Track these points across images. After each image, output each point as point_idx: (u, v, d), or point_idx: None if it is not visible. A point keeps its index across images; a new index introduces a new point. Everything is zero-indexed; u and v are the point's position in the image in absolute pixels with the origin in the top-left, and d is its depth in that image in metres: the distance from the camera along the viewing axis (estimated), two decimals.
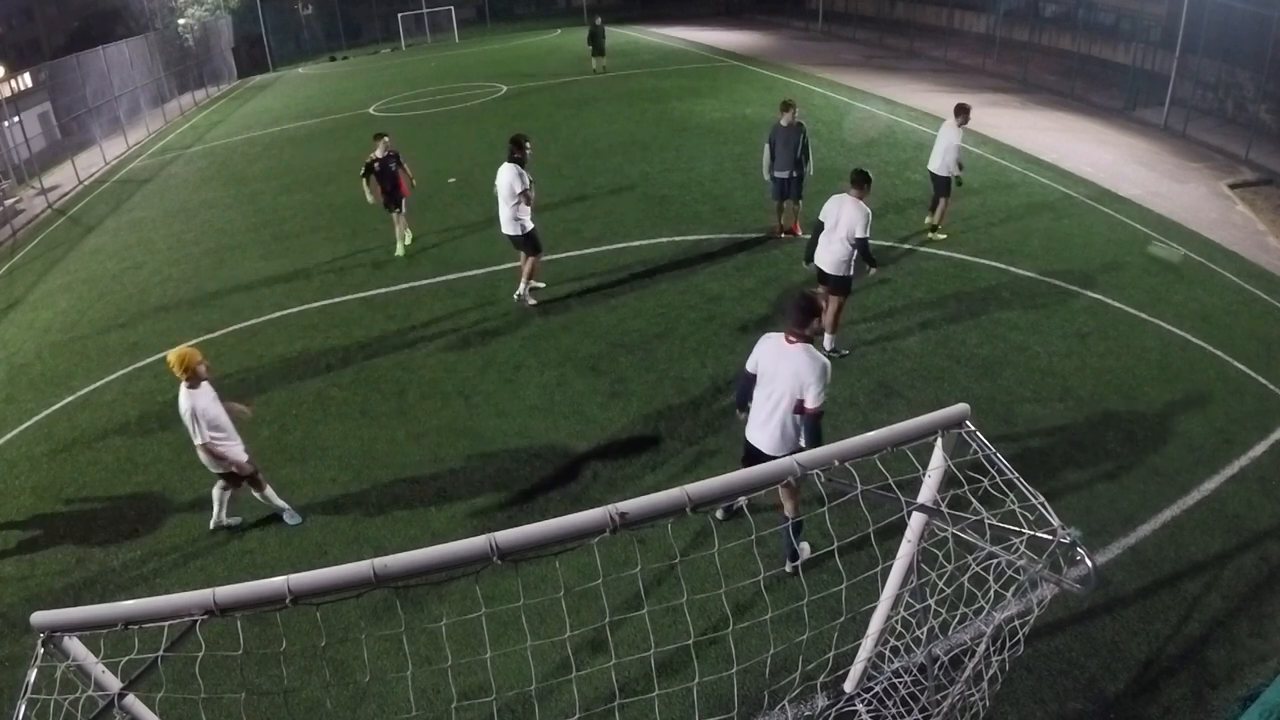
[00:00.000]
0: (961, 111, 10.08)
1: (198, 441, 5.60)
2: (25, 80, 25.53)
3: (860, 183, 7.32)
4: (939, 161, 10.29)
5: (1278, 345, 8.02)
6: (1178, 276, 9.49)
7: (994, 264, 9.76)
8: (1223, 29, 15.41)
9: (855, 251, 7.41)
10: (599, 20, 24.70)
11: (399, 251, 11.18)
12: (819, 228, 7.51)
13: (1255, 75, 15.01)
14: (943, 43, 24.14)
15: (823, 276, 7.69)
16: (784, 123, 9.89)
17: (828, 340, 7.93)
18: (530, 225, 8.87)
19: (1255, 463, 6.32)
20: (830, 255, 7.54)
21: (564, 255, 10.66)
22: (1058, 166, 13.46)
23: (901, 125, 16.05)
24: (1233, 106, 16.03)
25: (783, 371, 4.67)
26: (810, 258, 7.72)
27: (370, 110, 21.54)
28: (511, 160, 8.56)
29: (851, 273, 7.61)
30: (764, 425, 4.91)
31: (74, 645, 2.58)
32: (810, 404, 4.62)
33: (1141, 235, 10.66)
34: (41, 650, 2.48)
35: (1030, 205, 11.77)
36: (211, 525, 6.23)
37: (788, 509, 5.09)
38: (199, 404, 5.54)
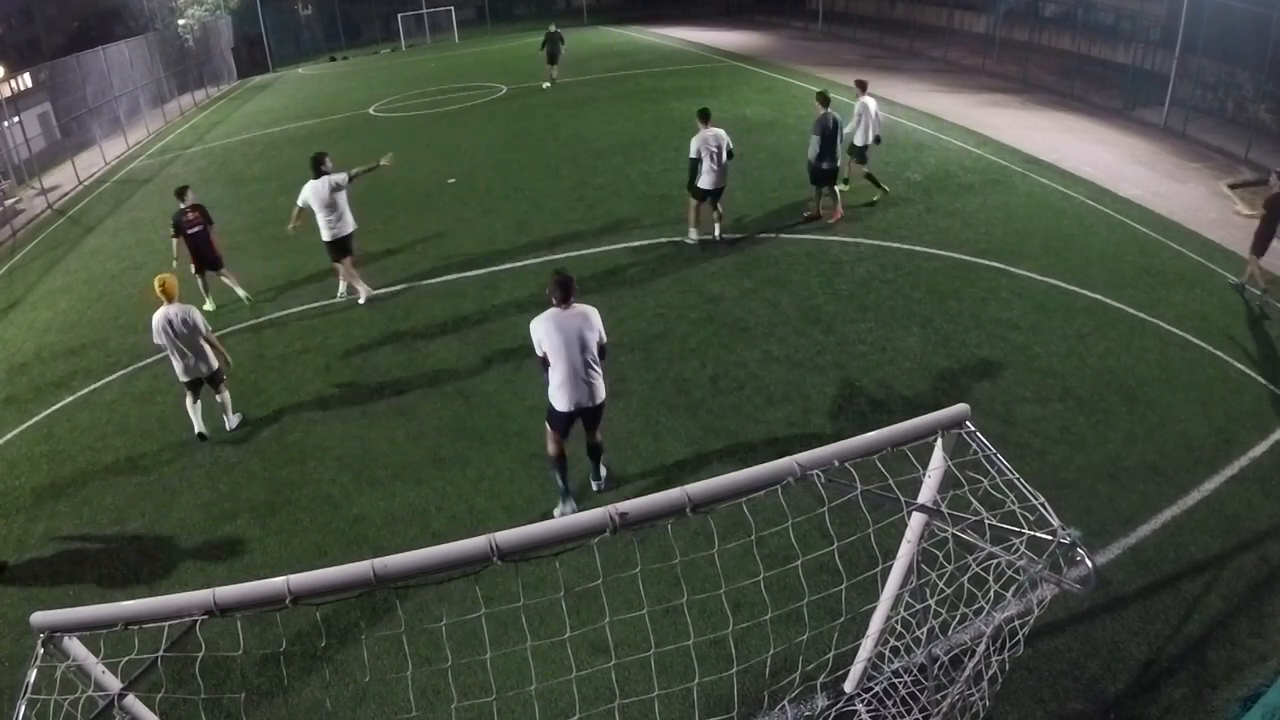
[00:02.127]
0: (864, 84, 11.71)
1: (207, 330, 7.10)
2: (25, 80, 25.50)
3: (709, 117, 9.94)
4: (864, 134, 11.40)
5: (1278, 345, 8.02)
6: (1177, 278, 9.48)
7: (994, 264, 9.76)
8: (1222, 29, 15.40)
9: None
10: (554, 27, 22.87)
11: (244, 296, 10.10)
12: (702, 163, 9.83)
13: (1255, 75, 15.01)
14: (942, 43, 24.13)
15: (716, 194, 10.15)
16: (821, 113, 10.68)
17: (718, 230, 10.43)
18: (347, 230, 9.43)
19: (1255, 463, 6.32)
20: (724, 174, 10.06)
21: (564, 255, 10.67)
22: (1057, 167, 13.46)
23: (901, 125, 16.04)
24: (1232, 106, 16.04)
25: (576, 329, 5.54)
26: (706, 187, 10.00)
27: (370, 110, 21.54)
28: (322, 174, 9.13)
29: None
30: (589, 379, 5.69)
31: (74, 645, 2.58)
32: (603, 339, 5.72)
33: (1141, 235, 10.67)
34: (41, 650, 2.48)
35: (1030, 205, 11.77)
36: (230, 428, 7.52)
37: (598, 436, 6.14)
38: (163, 317, 6.92)
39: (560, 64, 22.30)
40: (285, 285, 10.61)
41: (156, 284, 6.99)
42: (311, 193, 9.16)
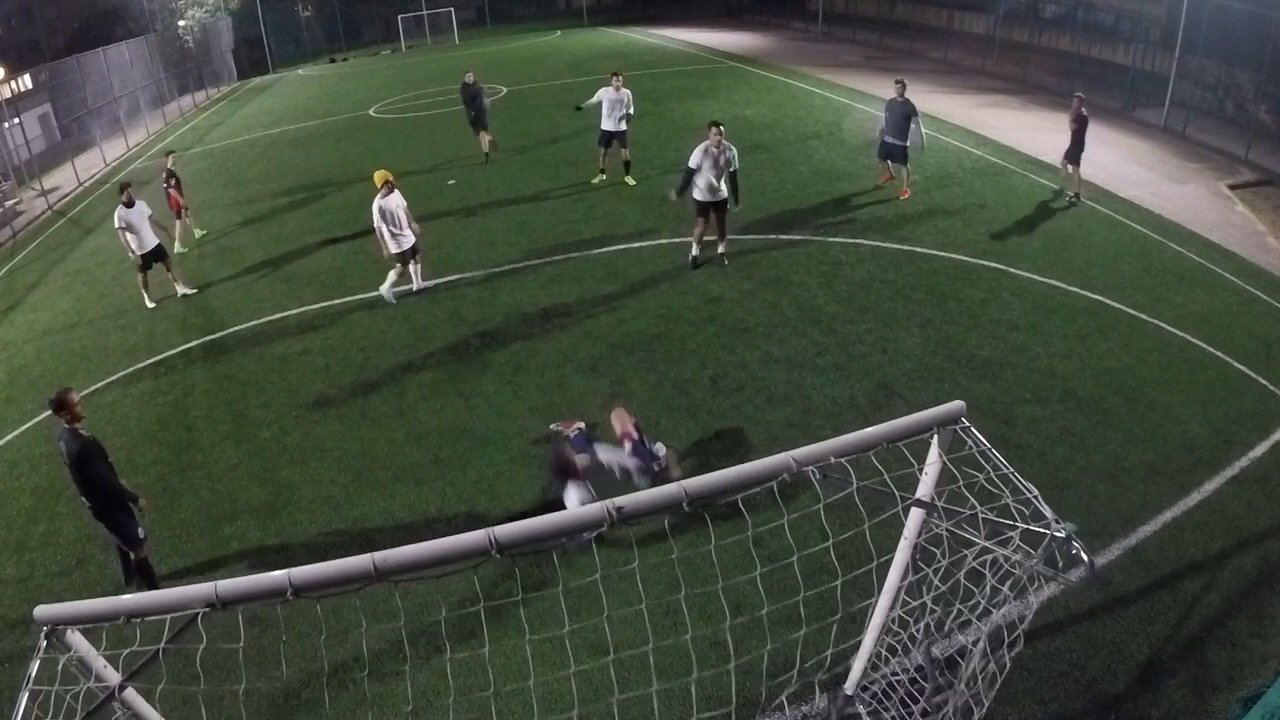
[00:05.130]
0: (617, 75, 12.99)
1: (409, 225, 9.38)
2: (25, 81, 25.54)
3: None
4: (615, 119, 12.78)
5: (1278, 345, 8.02)
6: (1177, 278, 9.49)
7: (994, 264, 9.77)
8: (1222, 29, 15.41)
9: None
10: (471, 77, 14.84)
11: (179, 249, 12.10)
12: (693, 172, 9.41)
13: (1255, 76, 15.01)
14: (943, 44, 24.15)
15: (719, 205, 9.67)
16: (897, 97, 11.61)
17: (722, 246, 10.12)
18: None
19: (1255, 463, 6.32)
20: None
21: (564, 257, 10.68)
22: (1058, 167, 13.44)
23: None
24: (1232, 107, 16.04)
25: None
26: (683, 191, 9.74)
27: (370, 112, 21.56)
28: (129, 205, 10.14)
29: None
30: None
31: (76, 638, 2.59)
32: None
33: (1141, 236, 10.67)
34: (44, 643, 2.49)
35: (1030, 206, 11.78)
36: (415, 289, 9.87)
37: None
38: (388, 204, 9.19)
39: (490, 130, 15.14)
40: (285, 286, 10.62)
41: (377, 178, 9.21)
42: (116, 215, 10.29)
